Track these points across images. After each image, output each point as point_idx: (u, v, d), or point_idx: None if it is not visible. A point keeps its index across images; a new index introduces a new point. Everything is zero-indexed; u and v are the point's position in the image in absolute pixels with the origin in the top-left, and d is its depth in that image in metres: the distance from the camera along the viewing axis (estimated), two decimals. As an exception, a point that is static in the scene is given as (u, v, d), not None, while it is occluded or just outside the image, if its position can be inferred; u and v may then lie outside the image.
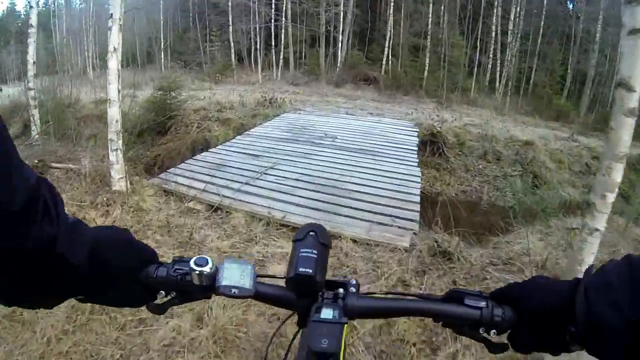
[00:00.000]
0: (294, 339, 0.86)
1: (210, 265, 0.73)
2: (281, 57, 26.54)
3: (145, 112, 10.73)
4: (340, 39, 24.78)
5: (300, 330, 0.82)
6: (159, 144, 10.07)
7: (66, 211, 0.64)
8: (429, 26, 23.95)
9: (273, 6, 26.80)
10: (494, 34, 25.23)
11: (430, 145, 10.54)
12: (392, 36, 24.91)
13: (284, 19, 25.88)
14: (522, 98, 24.49)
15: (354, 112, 14.23)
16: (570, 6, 27.75)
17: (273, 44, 26.74)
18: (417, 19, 25.26)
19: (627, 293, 0.58)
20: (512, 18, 23.61)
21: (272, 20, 26.38)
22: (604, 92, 23.36)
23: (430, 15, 24.28)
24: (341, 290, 0.77)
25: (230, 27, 26.92)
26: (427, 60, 23.38)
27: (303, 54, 27.81)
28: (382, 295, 0.83)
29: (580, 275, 0.66)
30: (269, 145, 8.76)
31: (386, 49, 24.73)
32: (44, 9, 39.60)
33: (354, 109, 15.21)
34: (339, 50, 24.61)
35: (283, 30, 26.46)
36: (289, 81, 23.36)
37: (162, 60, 29.97)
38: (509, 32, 23.49)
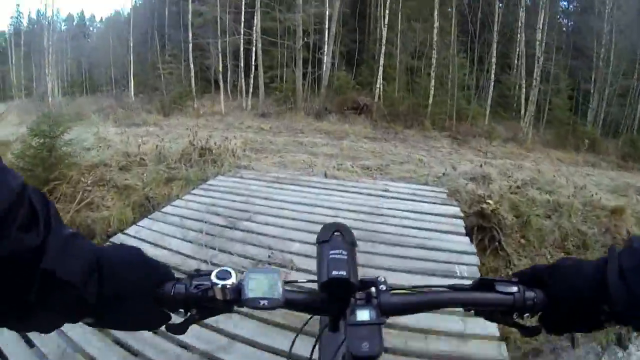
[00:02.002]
0: (316, 342, 0.83)
1: (233, 277, 0.68)
2: (251, 82, 21.11)
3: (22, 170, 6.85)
4: (325, 55, 19.42)
5: (324, 336, 0.78)
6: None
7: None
8: (434, 41, 18.81)
9: (242, 19, 21.40)
10: (517, 50, 20.82)
11: (479, 233, 5.92)
12: (384, 55, 19.95)
13: (254, 32, 20.23)
14: (542, 125, 20.26)
15: (340, 163, 8.93)
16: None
17: (241, 65, 21.47)
18: (412, 37, 20.71)
19: None
20: (539, 28, 18.44)
21: (241, 36, 21.15)
22: (610, 111, 21.15)
23: (435, 27, 19.44)
24: (373, 289, 0.72)
25: (190, 45, 21.33)
26: (432, 83, 18.01)
27: (279, 77, 22.33)
28: (414, 290, 0.78)
29: None
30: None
31: (380, 68, 19.58)
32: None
33: (340, 158, 10.06)
34: (323, 72, 19.14)
35: (254, 48, 20.73)
36: (258, 112, 17.94)
37: (132, 87, 25.46)
38: (537, 45, 18.29)
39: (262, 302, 0.67)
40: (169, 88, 22.80)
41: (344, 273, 0.68)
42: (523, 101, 19.11)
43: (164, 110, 19.04)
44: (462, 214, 5.43)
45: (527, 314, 0.70)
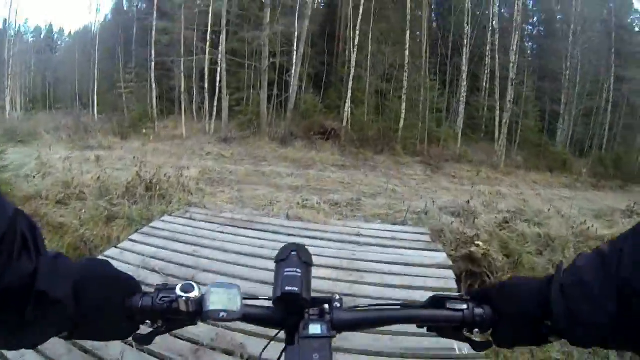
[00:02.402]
0: (280, 356, 0.77)
1: (196, 291, 0.70)
2: (215, 104, 19.84)
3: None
4: (292, 77, 18.24)
5: (287, 348, 0.74)
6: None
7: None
8: (405, 63, 18.01)
9: (208, 39, 20.27)
10: (486, 72, 20.65)
11: (469, 279, 5.17)
12: (353, 78, 19.05)
13: (219, 52, 18.96)
14: (513, 147, 19.86)
15: (306, 198, 7.89)
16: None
17: (206, 86, 20.34)
18: (382, 60, 20.10)
19: (602, 287, 0.58)
20: (512, 50, 17.92)
21: (206, 56, 19.97)
22: (576, 130, 21.75)
23: (406, 49, 18.75)
24: (326, 305, 0.75)
25: (152, 63, 20.05)
26: (404, 106, 17.28)
27: (245, 99, 21.25)
28: (367, 307, 0.81)
29: None
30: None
31: (349, 91, 18.68)
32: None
33: (306, 191, 9.13)
34: (290, 94, 18.04)
35: (218, 69, 19.39)
36: (221, 136, 16.84)
37: (94, 105, 24.24)
38: (510, 68, 17.81)
39: (221, 314, 0.68)
40: (130, 108, 21.68)
41: (296, 289, 0.71)
42: (497, 124, 18.49)
43: (122, 133, 17.77)
44: (449, 262, 4.50)
45: (476, 330, 0.72)
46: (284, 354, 0.76)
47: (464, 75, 20.10)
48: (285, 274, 0.74)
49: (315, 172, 11.58)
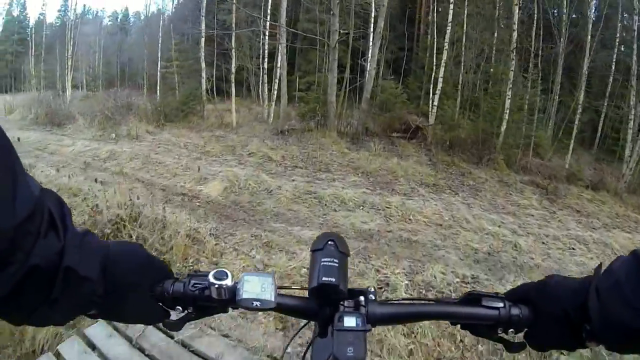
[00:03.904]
0: (308, 348, 0.82)
1: (229, 278, 0.69)
2: (275, 86, 16.06)
3: None
4: (369, 59, 14.04)
5: (316, 340, 0.77)
6: None
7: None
8: (512, 50, 13.28)
9: (269, 11, 16.72)
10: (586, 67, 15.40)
11: None
12: (444, 65, 14.64)
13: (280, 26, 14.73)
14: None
15: (384, 262, 4.69)
16: None
17: (264, 66, 16.79)
18: (469, 47, 16.18)
19: (636, 288, 0.55)
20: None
21: (266, 29, 16.36)
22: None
23: (514, 34, 14.33)
24: (362, 298, 0.72)
25: (202, 39, 16.50)
26: (507, 104, 12.77)
27: (315, 83, 17.63)
28: (402, 302, 0.79)
29: None
30: None
31: (440, 79, 14.28)
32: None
33: (384, 240, 5.91)
34: (365, 80, 14.01)
35: (279, 46, 15.27)
36: (274, 130, 13.12)
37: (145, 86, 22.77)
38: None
39: (255, 303, 0.67)
40: (182, 87, 18.70)
41: (334, 280, 0.69)
42: (630, 137, 13.41)
43: (161, 118, 14.80)
44: None
45: (511, 330, 0.70)
46: (312, 346, 0.79)
47: (559, 69, 15.50)
48: (322, 263, 0.72)
49: (399, 200, 7.77)
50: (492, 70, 15.72)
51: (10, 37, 39.02)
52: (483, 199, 8.70)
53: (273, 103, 15.83)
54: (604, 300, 0.58)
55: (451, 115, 13.80)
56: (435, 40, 16.82)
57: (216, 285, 0.67)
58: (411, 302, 0.77)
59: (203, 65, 16.27)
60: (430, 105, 14.80)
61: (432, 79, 15.75)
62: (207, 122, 14.94)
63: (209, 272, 0.69)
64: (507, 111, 12.64)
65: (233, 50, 16.02)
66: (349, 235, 5.73)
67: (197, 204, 6.90)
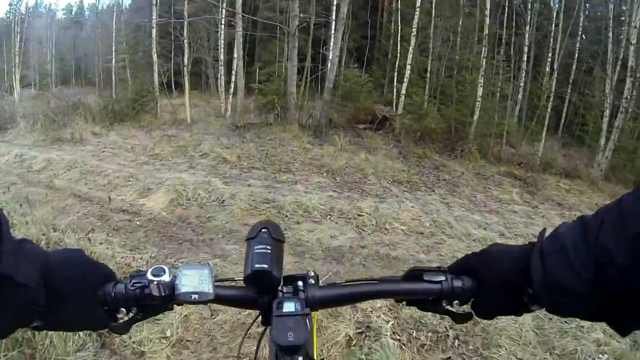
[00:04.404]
0: (260, 339, 0.82)
1: (167, 274, 0.67)
2: (233, 77, 14.72)
3: None
4: (331, 47, 13.08)
5: (268, 329, 0.73)
6: None
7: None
8: (484, 36, 12.53)
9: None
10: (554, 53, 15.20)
11: None
12: (412, 50, 13.82)
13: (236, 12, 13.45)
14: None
15: (369, 315, 3.29)
16: None
17: (221, 57, 15.35)
18: (435, 34, 15.39)
19: (582, 254, 0.56)
20: (635, 27, 12.00)
21: (221, 17, 14.88)
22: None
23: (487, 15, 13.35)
24: (300, 282, 0.73)
25: (154, 29, 14.68)
26: (480, 92, 11.88)
27: (276, 74, 16.13)
28: (343, 283, 0.77)
29: None
30: None
31: (407, 68, 13.34)
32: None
33: (359, 259, 4.91)
34: (327, 69, 12.79)
35: (236, 34, 13.68)
36: (231, 125, 11.83)
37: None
38: (631, 50, 12.03)
39: (193, 296, 0.66)
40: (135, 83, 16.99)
41: (266, 266, 0.69)
42: (605, 126, 12.57)
43: (109, 118, 13.41)
44: None
45: (456, 301, 0.70)
46: (264, 336, 0.77)
47: (525, 57, 14.77)
48: (255, 251, 0.71)
49: (371, 204, 6.69)
50: (457, 57, 14.98)
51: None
52: (462, 196, 7.80)
53: (230, 96, 14.58)
54: (548, 264, 0.58)
55: (420, 104, 12.82)
56: (400, 27, 16.09)
57: (155, 282, 0.64)
58: (353, 282, 0.76)
59: (155, 57, 14.71)
60: (396, 94, 14.02)
61: (397, 66, 15.11)
62: (160, 119, 13.58)
63: (148, 270, 0.67)
64: (479, 99, 11.77)
65: (185, 40, 14.53)
66: (317, 256, 4.76)
67: (137, 223, 5.82)
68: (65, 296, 0.61)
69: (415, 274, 0.72)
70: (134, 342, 2.84)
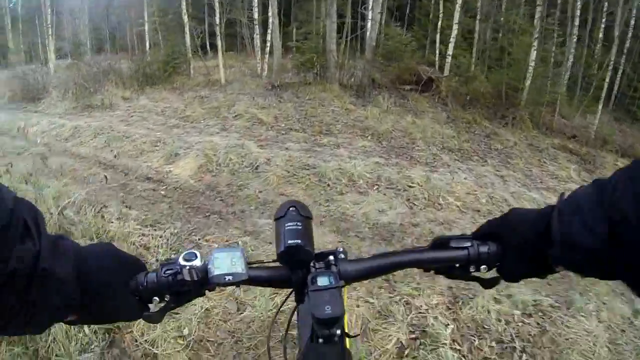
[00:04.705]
0: (291, 317, 0.84)
1: (199, 258, 0.68)
2: (268, 37, 13.82)
3: None
4: (371, 5, 12.16)
5: (298, 308, 0.80)
6: None
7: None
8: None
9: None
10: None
11: None
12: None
13: None
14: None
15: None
16: None
17: (255, 15, 14.41)
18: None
19: (596, 213, 0.57)
20: None
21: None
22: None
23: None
24: (331, 257, 0.74)
25: None
26: (533, 56, 10.83)
27: (314, 33, 15.32)
28: (371, 256, 0.77)
29: None
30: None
31: (455, 27, 12.19)
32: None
33: (409, 275, 3.50)
34: (368, 27, 12.02)
35: None
36: (267, 85, 11.14)
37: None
38: None
39: (227, 277, 0.66)
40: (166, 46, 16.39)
41: (299, 241, 0.69)
42: None
43: (139, 81, 12.97)
44: None
45: (483, 267, 0.70)
46: (295, 312, 0.81)
47: (577, 21, 13.51)
48: (287, 228, 0.71)
49: (421, 173, 5.95)
50: (503, 19, 13.86)
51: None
52: (516, 169, 7.06)
53: (267, 56, 13.87)
54: (565, 224, 0.59)
55: (467, 67, 11.89)
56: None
57: (187, 267, 0.64)
58: (382, 254, 0.75)
59: (185, 19, 14.16)
60: (439, 55, 13.18)
61: (439, 27, 14.05)
62: (192, 81, 13.04)
63: (179, 256, 0.67)
64: (533, 64, 10.75)
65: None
66: (363, 234, 4.17)
67: (162, 192, 5.30)
68: (99, 289, 0.61)
69: (441, 242, 0.72)
70: (146, 340, 2.44)
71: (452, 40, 12.11)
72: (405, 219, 4.60)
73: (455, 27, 12.14)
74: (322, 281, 0.66)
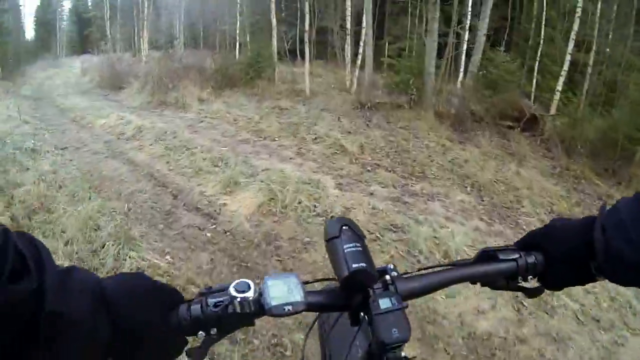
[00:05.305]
0: (353, 340, 0.78)
1: (252, 288, 0.62)
2: (360, 49, 13.18)
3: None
4: (475, 22, 11.49)
5: (358, 330, 0.71)
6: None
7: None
8: None
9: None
10: None
11: None
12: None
13: None
14: None
15: None
16: None
17: (348, 25, 13.78)
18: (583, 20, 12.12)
19: (638, 226, 0.58)
20: None
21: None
22: None
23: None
24: (387, 277, 0.69)
25: None
26: None
27: (407, 49, 14.19)
28: (423, 273, 0.75)
29: None
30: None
31: (566, 57, 10.85)
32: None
33: None
34: (463, 49, 11.54)
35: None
36: (355, 101, 10.28)
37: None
38: None
39: (286, 308, 0.61)
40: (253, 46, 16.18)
41: (364, 265, 0.65)
42: None
43: (218, 82, 12.67)
44: None
45: (530, 276, 0.71)
46: (356, 336, 0.73)
47: None
48: (347, 250, 0.66)
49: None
50: (608, 50, 12.55)
51: (99, 3, 38.48)
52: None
53: (357, 69, 13.14)
54: (608, 237, 0.60)
55: (576, 107, 10.42)
56: (545, 9, 13.43)
57: (238, 299, 0.59)
58: (432, 270, 0.73)
59: (274, 22, 13.93)
60: (535, 87, 11.91)
61: (538, 54, 12.91)
62: (275, 87, 12.48)
63: (228, 286, 0.61)
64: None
65: (307, 3, 13.30)
66: (455, 349, 2.96)
67: (208, 234, 4.35)
68: (134, 327, 0.54)
69: (489, 255, 0.72)
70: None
71: (564, 73, 10.75)
72: (510, 328, 3.26)
73: (567, 57, 10.78)
74: (384, 303, 0.62)
